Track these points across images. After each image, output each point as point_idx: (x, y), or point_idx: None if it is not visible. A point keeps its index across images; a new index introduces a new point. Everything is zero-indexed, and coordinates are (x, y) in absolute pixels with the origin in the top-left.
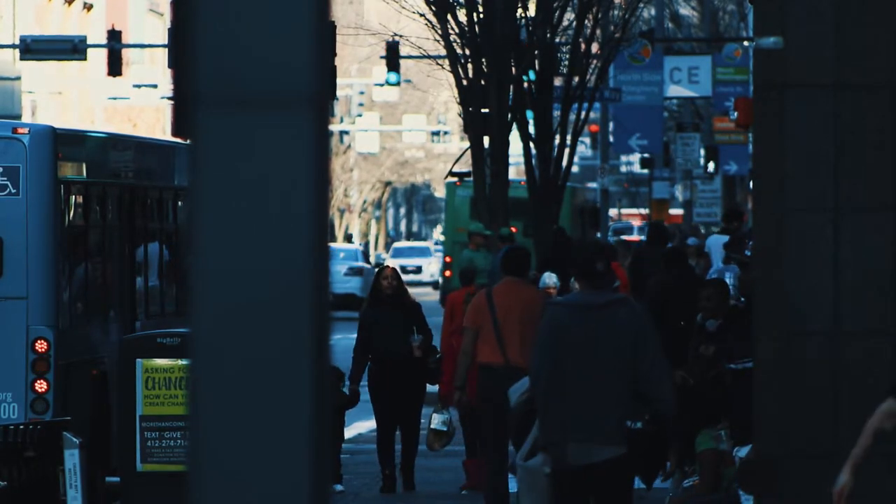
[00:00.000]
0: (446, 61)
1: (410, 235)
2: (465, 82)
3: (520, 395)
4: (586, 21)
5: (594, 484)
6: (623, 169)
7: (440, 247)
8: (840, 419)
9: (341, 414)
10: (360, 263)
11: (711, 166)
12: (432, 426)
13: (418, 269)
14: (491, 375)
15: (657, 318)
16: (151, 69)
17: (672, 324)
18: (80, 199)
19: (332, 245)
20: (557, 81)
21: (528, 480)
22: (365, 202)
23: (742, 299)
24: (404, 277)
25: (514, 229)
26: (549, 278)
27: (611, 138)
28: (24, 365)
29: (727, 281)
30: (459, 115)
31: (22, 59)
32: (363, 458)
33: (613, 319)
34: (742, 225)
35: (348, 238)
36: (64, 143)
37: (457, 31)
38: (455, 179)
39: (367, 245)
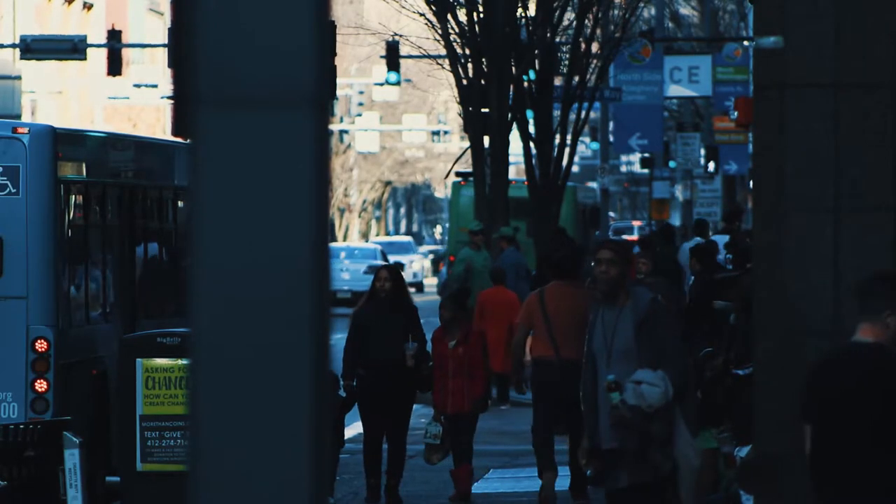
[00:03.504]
0: (446, 61)
1: (410, 235)
2: (465, 82)
3: (660, 395)
4: (586, 21)
5: None
6: (623, 169)
7: (440, 246)
8: None
9: (340, 419)
10: (379, 262)
11: (711, 166)
12: (425, 440)
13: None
14: (544, 367)
15: (700, 315)
16: (151, 69)
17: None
18: (80, 199)
19: (350, 245)
20: (557, 81)
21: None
22: (365, 202)
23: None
24: None
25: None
26: None
27: (611, 138)
28: (24, 364)
29: None
30: (459, 115)
31: (22, 58)
32: (362, 458)
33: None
34: (742, 224)
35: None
36: (64, 142)
37: (457, 30)
38: (460, 179)
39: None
